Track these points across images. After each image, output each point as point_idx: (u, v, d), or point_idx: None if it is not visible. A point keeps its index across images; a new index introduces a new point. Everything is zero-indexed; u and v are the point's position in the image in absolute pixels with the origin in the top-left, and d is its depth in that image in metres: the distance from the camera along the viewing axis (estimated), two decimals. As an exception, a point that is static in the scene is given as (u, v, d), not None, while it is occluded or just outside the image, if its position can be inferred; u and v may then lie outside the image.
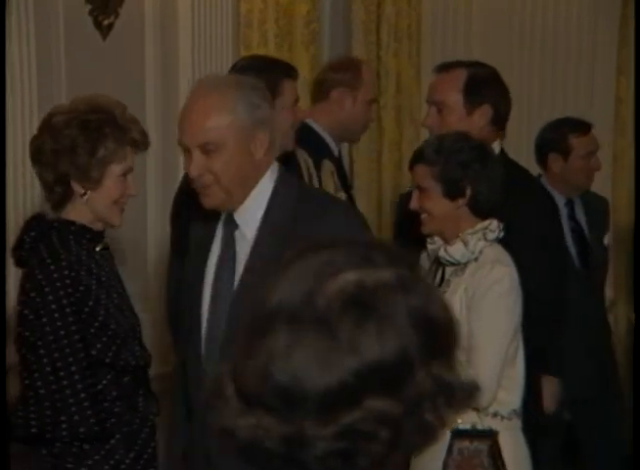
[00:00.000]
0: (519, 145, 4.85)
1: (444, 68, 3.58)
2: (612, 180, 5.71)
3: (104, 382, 2.75)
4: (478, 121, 3.47)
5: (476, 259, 3.06)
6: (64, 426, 2.69)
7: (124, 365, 2.77)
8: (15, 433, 2.76)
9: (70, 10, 3.96)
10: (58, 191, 2.80)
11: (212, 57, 4.48)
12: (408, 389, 1.21)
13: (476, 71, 3.51)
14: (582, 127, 4.66)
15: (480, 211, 3.12)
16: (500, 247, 3.10)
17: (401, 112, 5.64)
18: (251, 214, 2.69)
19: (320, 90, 4.34)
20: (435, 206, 3.11)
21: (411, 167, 3.21)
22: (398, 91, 5.64)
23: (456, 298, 3.02)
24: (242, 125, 2.64)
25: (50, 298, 2.68)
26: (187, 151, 2.65)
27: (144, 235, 3.52)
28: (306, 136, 4.24)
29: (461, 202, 3.10)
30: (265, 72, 3.48)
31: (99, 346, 2.73)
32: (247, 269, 2.65)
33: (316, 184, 3.97)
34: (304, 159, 4.03)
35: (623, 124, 5.72)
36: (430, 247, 3.17)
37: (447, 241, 3.11)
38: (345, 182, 4.21)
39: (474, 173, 3.10)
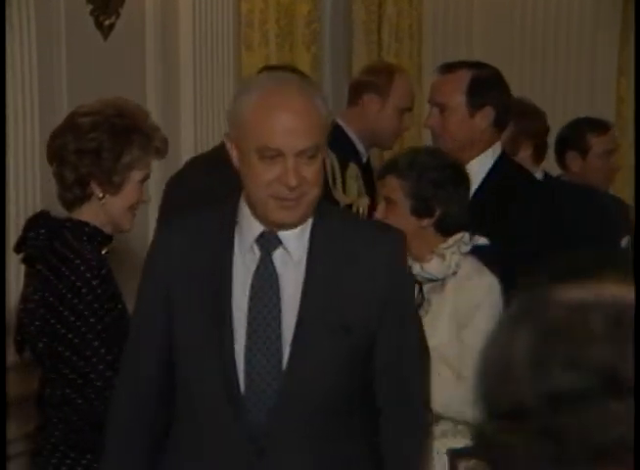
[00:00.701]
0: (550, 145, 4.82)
1: (447, 68, 3.55)
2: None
3: None
4: (480, 123, 3.45)
5: (454, 274, 2.99)
6: None
7: None
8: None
9: (72, 10, 3.96)
10: (75, 191, 2.79)
11: (213, 57, 4.49)
12: None
13: (479, 73, 3.49)
14: (601, 126, 4.65)
15: (446, 232, 3.05)
16: (474, 258, 3.05)
17: (402, 112, 5.65)
18: (299, 234, 2.41)
19: (353, 93, 4.36)
20: (401, 221, 2.94)
21: (381, 177, 3.13)
22: (399, 91, 5.64)
23: (444, 316, 2.95)
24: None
25: (89, 297, 2.67)
26: (275, 156, 2.32)
27: (145, 234, 3.52)
28: (336, 137, 4.23)
29: (427, 222, 3.04)
30: None
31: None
32: (305, 293, 2.38)
33: (340, 187, 3.96)
34: (331, 159, 4.01)
35: (625, 124, 5.72)
36: None
37: (413, 258, 2.95)
38: (372, 188, 4.12)
39: (445, 194, 3.03)
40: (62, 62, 3.92)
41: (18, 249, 2.83)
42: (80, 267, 2.68)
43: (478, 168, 3.43)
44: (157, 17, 4.39)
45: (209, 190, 3.13)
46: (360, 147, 4.27)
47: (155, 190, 4.30)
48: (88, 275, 2.68)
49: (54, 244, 2.75)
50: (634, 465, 1.14)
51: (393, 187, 3.05)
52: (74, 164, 2.76)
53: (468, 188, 3.10)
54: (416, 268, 2.98)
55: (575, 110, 5.58)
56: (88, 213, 2.80)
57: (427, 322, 2.89)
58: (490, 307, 2.90)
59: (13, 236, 3.68)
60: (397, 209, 3.04)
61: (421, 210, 3.02)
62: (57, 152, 2.79)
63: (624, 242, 4.56)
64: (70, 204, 2.81)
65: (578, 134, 4.60)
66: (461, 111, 3.45)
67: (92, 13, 4.09)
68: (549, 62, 5.94)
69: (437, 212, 3.02)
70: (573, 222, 4.01)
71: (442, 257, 2.98)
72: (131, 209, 2.84)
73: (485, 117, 3.44)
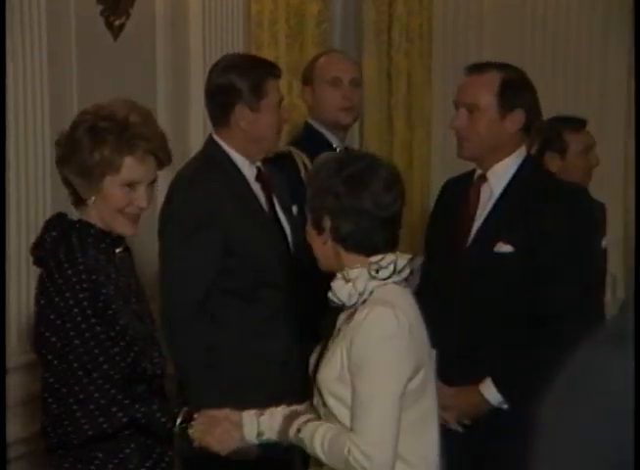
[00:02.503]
0: (530, 145, 4.83)
1: (477, 69, 3.45)
2: (624, 180, 5.69)
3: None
4: (510, 127, 3.36)
5: (364, 302, 2.55)
6: (105, 426, 2.68)
7: (141, 374, 2.75)
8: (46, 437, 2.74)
9: (82, 10, 3.97)
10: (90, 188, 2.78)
11: (223, 57, 4.48)
12: None
13: (509, 74, 3.40)
14: (577, 123, 4.56)
15: (355, 248, 2.58)
16: (399, 288, 2.59)
17: (412, 112, 5.65)
18: None
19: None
20: (310, 238, 2.65)
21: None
22: (409, 91, 5.64)
23: (337, 353, 2.54)
24: None
25: (71, 302, 2.66)
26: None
27: (153, 235, 3.52)
28: (307, 135, 4.25)
29: (324, 237, 2.60)
30: (249, 72, 3.48)
31: (117, 349, 2.72)
32: None
33: None
34: (302, 159, 4.03)
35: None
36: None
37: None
38: None
39: (334, 204, 2.56)
40: (72, 62, 3.93)
41: (32, 250, 2.83)
42: (68, 271, 2.68)
43: (502, 172, 3.38)
44: (167, 17, 4.40)
45: None
46: (334, 140, 4.24)
47: (164, 190, 4.31)
48: (74, 279, 2.67)
49: (59, 246, 2.75)
50: (634, 462, 1.15)
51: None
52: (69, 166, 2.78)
53: (380, 201, 2.55)
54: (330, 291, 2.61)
55: (587, 110, 5.57)
56: (90, 215, 2.80)
57: (328, 355, 2.57)
58: (379, 342, 2.48)
59: (14, 237, 3.70)
60: (308, 225, 2.67)
61: (315, 222, 2.61)
62: (62, 159, 2.82)
63: (604, 243, 4.49)
64: (74, 203, 2.82)
65: (554, 134, 4.52)
66: (491, 112, 3.36)
67: (102, 13, 4.10)
68: (559, 61, 5.92)
69: (328, 225, 2.57)
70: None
71: (348, 279, 2.56)
72: (121, 212, 2.77)
73: (516, 120, 3.36)
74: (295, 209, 3.66)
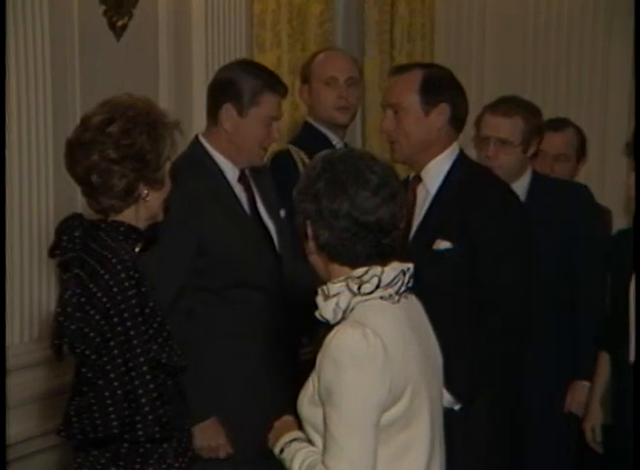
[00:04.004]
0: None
1: (400, 70, 3.47)
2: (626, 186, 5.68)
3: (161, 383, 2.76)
4: (435, 121, 3.35)
5: (343, 320, 2.33)
6: (139, 426, 2.68)
7: (173, 367, 2.78)
8: (77, 436, 2.73)
9: (85, 11, 3.97)
10: (124, 198, 2.79)
11: (226, 57, 4.49)
12: None
13: (431, 71, 3.41)
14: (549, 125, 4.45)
15: (336, 259, 2.37)
16: (385, 304, 2.34)
17: (414, 112, 5.65)
18: None
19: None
20: (306, 250, 2.44)
21: None
22: (411, 91, 5.64)
23: (310, 376, 2.35)
24: None
25: (119, 298, 2.68)
26: None
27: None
28: (307, 133, 4.25)
29: (310, 244, 2.39)
30: (254, 77, 3.45)
31: (155, 347, 2.73)
32: None
33: None
34: (300, 157, 4.02)
35: None
36: None
37: None
38: None
39: (312, 208, 2.35)
40: (75, 62, 3.93)
41: (52, 253, 2.83)
42: (117, 266, 2.69)
43: (436, 170, 3.37)
44: (169, 17, 4.40)
45: None
46: (333, 137, 4.25)
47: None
48: (123, 275, 2.69)
49: (90, 245, 2.76)
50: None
51: None
52: (121, 172, 2.76)
53: (360, 204, 2.32)
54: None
55: (589, 109, 5.58)
56: (129, 214, 2.81)
57: (307, 380, 2.38)
58: (347, 368, 2.24)
59: (15, 237, 3.70)
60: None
61: (300, 230, 2.41)
62: (97, 164, 2.77)
63: None
64: (115, 210, 2.80)
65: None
66: (415, 110, 3.35)
67: (105, 13, 4.11)
68: (562, 61, 5.92)
69: (309, 232, 2.37)
70: (567, 223, 3.98)
71: (324, 294, 2.37)
72: (165, 200, 2.88)
73: (441, 114, 3.35)
74: (282, 212, 3.62)
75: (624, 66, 5.72)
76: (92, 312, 2.69)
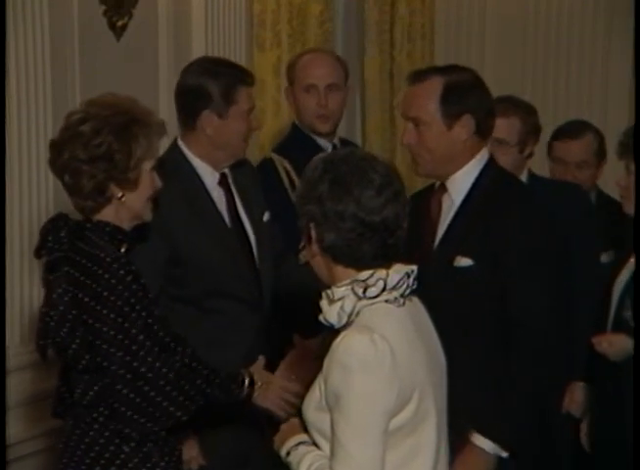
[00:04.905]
0: (542, 146, 4.80)
1: (417, 77, 3.19)
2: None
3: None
4: (460, 134, 3.13)
5: (351, 324, 2.31)
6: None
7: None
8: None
9: (85, 11, 3.97)
10: (95, 198, 2.79)
11: (225, 57, 4.48)
12: None
13: (452, 78, 3.14)
14: (561, 133, 4.41)
15: (342, 261, 2.35)
16: (391, 307, 2.33)
17: (414, 112, 5.64)
18: None
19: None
20: (306, 251, 2.44)
21: None
22: (411, 91, 5.64)
23: (317, 380, 2.34)
24: None
25: (126, 294, 2.70)
26: None
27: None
28: (295, 139, 4.14)
29: (314, 247, 2.37)
30: (221, 77, 3.39)
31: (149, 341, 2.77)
32: None
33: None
34: (283, 165, 3.95)
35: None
36: None
37: None
38: None
39: (316, 209, 2.33)
40: (75, 62, 3.93)
41: (37, 253, 2.83)
42: (113, 265, 2.71)
43: (462, 180, 3.19)
44: (169, 17, 4.40)
45: None
46: (321, 141, 4.14)
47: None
48: (122, 272, 2.70)
49: (77, 245, 2.76)
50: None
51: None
52: (90, 173, 2.77)
53: (366, 204, 2.31)
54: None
55: (589, 110, 5.58)
56: (108, 214, 2.82)
57: (313, 385, 2.37)
58: (354, 373, 2.22)
59: (16, 237, 3.70)
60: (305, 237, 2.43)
61: (303, 233, 2.39)
62: (67, 164, 2.79)
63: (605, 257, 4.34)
64: (90, 211, 2.81)
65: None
66: (437, 124, 3.12)
67: (105, 13, 4.11)
68: (562, 62, 5.92)
69: (314, 235, 2.35)
70: (564, 224, 3.95)
71: (329, 298, 2.35)
72: (149, 199, 2.87)
73: (465, 126, 3.13)
74: (267, 215, 3.56)
75: (624, 66, 5.72)
76: (105, 312, 2.69)
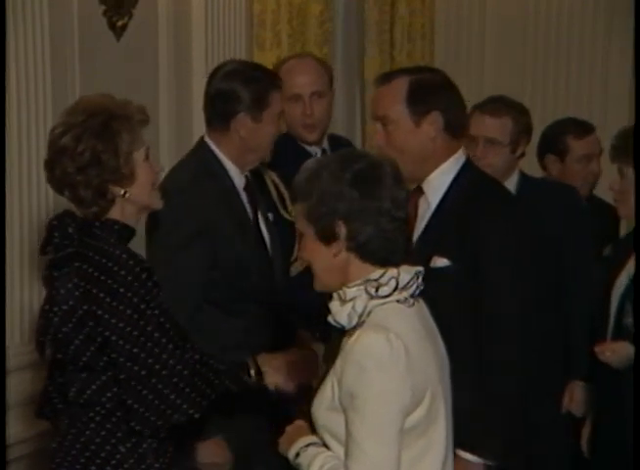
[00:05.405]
0: (533, 146, 4.82)
1: (384, 79, 3.18)
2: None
3: None
4: (428, 131, 3.08)
5: (362, 324, 2.31)
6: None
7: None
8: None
9: (84, 11, 3.97)
10: (100, 203, 2.79)
11: (226, 57, 4.48)
12: None
13: (418, 78, 3.12)
14: (582, 129, 4.48)
15: (373, 256, 2.35)
16: (402, 307, 2.34)
17: (414, 112, 5.65)
18: None
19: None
20: (310, 253, 2.40)
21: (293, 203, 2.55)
22: (411, 91, 5.65)
23: (328, 381, 2.33)
24: None
25: (142, 291, 2.71)
26: None
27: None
28: (286, 150, 3.99)
29: (336, 246, 2.35)
30: (253, 82, 3.43)
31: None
32: None
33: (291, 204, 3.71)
34: (271, 178, 3.93)
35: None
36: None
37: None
38: None
39: (348, 207, 2.32)
40: (75, 62, 3.93)
41: (43, 250, 2.83)
42: (129, 262, 2.71)
43: (438, 182, 3.14)
44: (169, 17, 4.40)
45: None
46: (310, 148, 4.08)
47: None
48: (138, 269, 2.71)
49: (86, 240, 2.77)
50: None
51: (297, 215, 2.44)
52: (84, 182, 2.77)
53: (397, 198, 2.36)
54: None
55: (589, 110, 5.58)
56: (114, 213, 2.82)
57: (323, 386, 2.37)
58: (369, 372, 2.23)
59: (16, 237, 3.70)
60: (306, 240, 2.41)
61: (324, 232, 2.35)
62: (62, 180, 2.79)
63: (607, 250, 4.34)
64: (99, 215, 2.81)
65: (557, 136, 4.46)
66: (404, 122, 3.09)
67: (105, 13, 4.11)
68: (562, 62, 5.93)
69: (343, 232, 2.34)
70: (556, 224, 3.93)
71: (345, 298, 2.34)
72: (154, 186, 2.87)
73: (433, 123, 3.09)
74: (271, 216, 3.60)
75: (624, 66, 5.73)
76: (121, 308, 2.69)
